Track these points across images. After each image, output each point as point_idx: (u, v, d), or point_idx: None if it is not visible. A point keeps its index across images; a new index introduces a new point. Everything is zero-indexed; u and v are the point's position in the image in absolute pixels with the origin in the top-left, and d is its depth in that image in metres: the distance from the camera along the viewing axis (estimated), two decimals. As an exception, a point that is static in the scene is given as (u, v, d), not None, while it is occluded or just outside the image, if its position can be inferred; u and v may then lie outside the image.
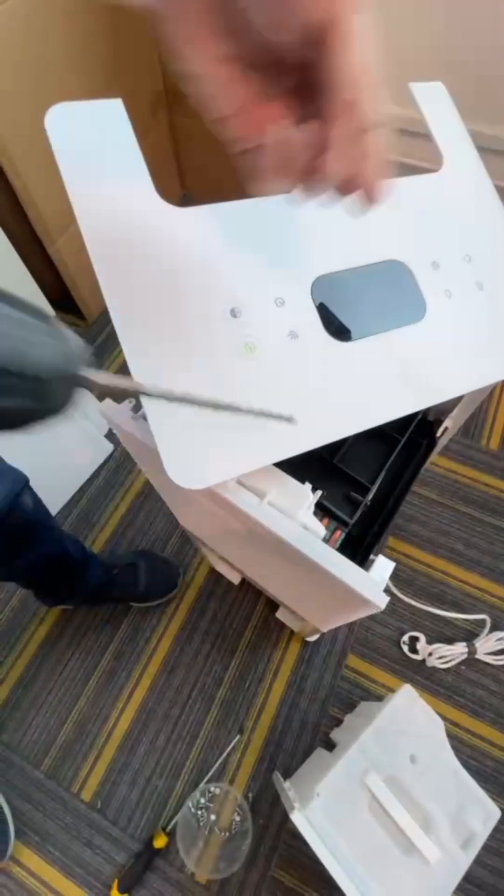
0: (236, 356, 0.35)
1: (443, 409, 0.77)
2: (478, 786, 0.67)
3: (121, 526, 1.09)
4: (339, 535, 0.42)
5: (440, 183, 0.45)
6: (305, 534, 0.33)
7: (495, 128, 0.99)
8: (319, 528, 0.37)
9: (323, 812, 0.64)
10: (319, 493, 0.39)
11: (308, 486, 0.39)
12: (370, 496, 0.43)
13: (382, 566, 0.33)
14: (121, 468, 1.15)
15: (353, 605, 0.34)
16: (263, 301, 0.37)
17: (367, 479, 0.45)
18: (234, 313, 0.36)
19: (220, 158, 1.34)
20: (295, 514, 0.36)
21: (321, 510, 0.43)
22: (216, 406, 0.15)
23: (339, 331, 0.38)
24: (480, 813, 0.66)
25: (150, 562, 1.00)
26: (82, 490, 1.13)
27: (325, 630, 0.72)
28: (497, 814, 0.66)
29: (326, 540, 0.41)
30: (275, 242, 0.38)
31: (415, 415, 0.47)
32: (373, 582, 0.31)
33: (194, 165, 1.45)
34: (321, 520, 0.42)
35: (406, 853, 0.63)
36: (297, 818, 0.62)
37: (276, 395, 0.36)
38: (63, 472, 1.09)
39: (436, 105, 0.48)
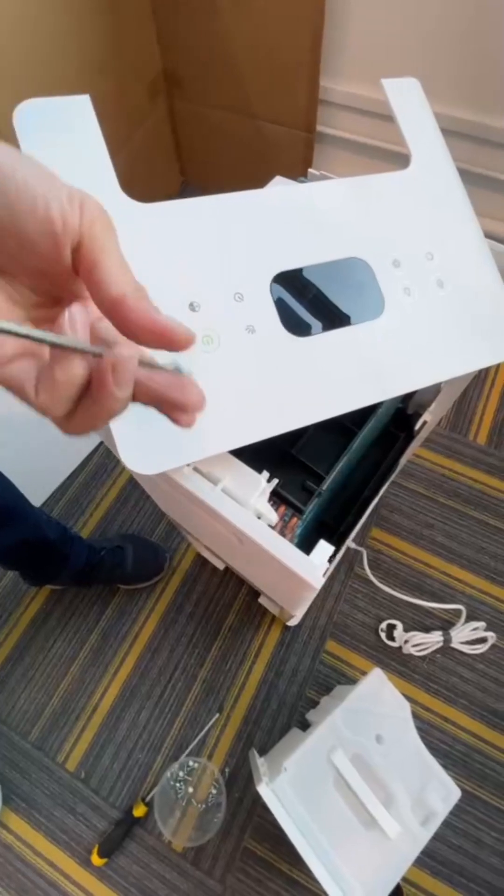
0: (195, 348, 0.37)
1: (421, 403, 0.79)
2: (440, 766, 0.70)
3: (110, 512, 1.12)
4: (296, 522, 0.44)
5: (407, 181, 0.46)
6: (252, 519, 0.35)
7: (482, 116, 0.98)
8: (272, 514, 0.39)
9: (290, 786, 0.67)
10: (275, 481, 0.41)
11: (265, 474, 0.40)
12: (325, 486, 0.45)
13: (322, 550, 0.35)
14: (111, 456, 1.18)
15: (295, 584, 0.36)
16: (222, 296, 0.38)
17: (323, 470, 0.47)
18: (192, 307, 0.37)
19: (222, 146, 1.34)
20: (248, 500, 0.37)
21: (278, 498, 0.45)
22: (39, 339, 0.13)
23: (296, 326, 0.40)
24: (441, 792, 0.69)
25: (138, 546, 1.02)
26: (73, 476, 1.16)
27: (294, 613, 0.74)
28: (457, 794, 0.69)
29: (275, 525, 0.43)
30: (236, 238, 0.39)
31: (373, 408, 0.49)
32: (311, 564, 0.33)
33: (195, 153, 1.44)
34: (277, 507, 0.44)
35: (367, 827, 0.65)
36: (263, 790, 0.65)
37: (233, 386, 0.37)
38: (53, 459, 1.12)
39: (408, 102, 0.48)
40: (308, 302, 0.44)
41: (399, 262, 0.43)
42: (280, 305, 0.40)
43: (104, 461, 1.18)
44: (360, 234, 0.43)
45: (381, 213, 0.44)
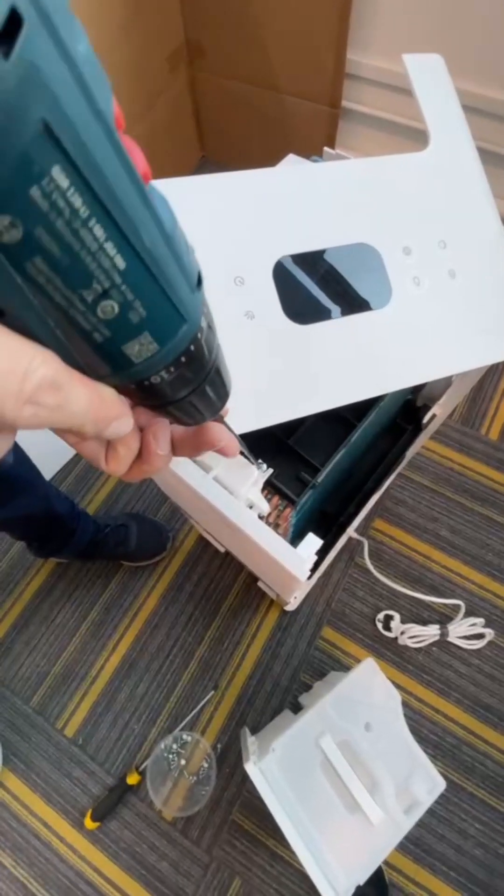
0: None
1: (431, 396, 0.77)
2: (427, 757, 0.70)
3: (116, 490, 1.13)
4: (290, 513, 0.43)
5: (424, 164, 0.44)
6: (241, 509, 0.34)
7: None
8: (264, 504, 0.39)
9: (277, 766, 0.68)
10: (270, 471, 0.40)
11: (258, 463, 0.40)
12: (320, 478, 0.44)
13: (310, 543, 0.34)
14: (120, 432, 1.18)
15: (283, 575, 0.36)
16: (222, 279, 0.37)
17: (320, 462, 0.46)
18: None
19: (244, 119, 1.29)
20: (239, 489, 0.37)
21: (272, 489, 0.44)
22: None
23: (297, 313, 0.38)
24: (427, 782, 0.69)
25: (142, 524, 1.04)
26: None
27: (288, 600, 0.75)
28: (442, 785, 0.69)
29: (268, 515, 0.43)
30: (240, 219, 0.38)
31: (374, 400, 0.47)
32: (297, 557, 0.32)
33: (215, 126, 1.40)
34: (271, 497, 0.43)
35: (351, 811, 0.67)
36: (249, 768, 0.67)
37: (230, 372, 0.37)
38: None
39: (430, 79, 0.46)
40: (328, 285, 0.43)
41: (410, 250, 0.42)
42: (295, 289, 0.39)
43: (112, 439, 1.18)
44: (370, 218, 0.41)
45: (393, 198, 0.42)
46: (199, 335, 0.15)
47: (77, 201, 0.11)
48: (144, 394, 0.16)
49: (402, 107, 1.10)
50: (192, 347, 0.15)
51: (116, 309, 0.13)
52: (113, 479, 1.15)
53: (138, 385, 0.16)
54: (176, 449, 0.22)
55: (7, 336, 0.12)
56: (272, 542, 0.33)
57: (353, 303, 0.40)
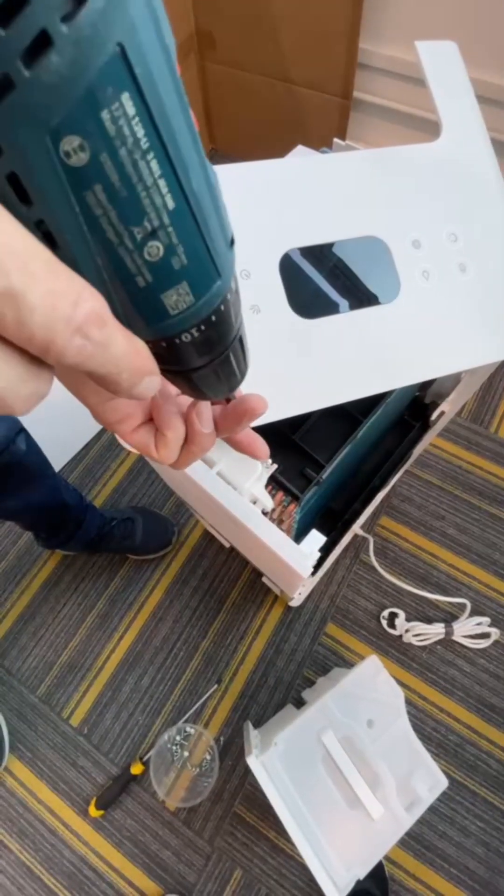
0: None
1: (439, 393, 0.76)
2: (429, 755, 0.70)
3: (122, 484, 1.14)
4: (294, 509, 0.43)
5: (435, 155, 0.43)
6: (245, 504, 0.34)
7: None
8: (268, 499, 0.38)
9: (279, 760, 0.68)
10: (274, 466, 0.40)
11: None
12: (324, 475, 0.44)
13: (313, 539, 0.34)
14: (127, 426, 1.18)
15: (286, 571, 0.36)
16: (228, 272, 0.37)
17: (324, 458, 0.45)
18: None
19: (254, 111, 1.28)
20: (243, 485, 0.37)
21: (276, 484, 0.44)
22: None
23: (304, 307, 0.38)
24: (428, 780, 0.69)
25: (148, 518, 1.04)
26: (88, 446, 1.17)
27: (292, 596, 0.75)
28: (444, 783, 0.69)
29: (272, 510, 0.43)
30: (245, 211, 0.38)
31: (381, 396, 0.47)
32: (300, 553, 0.32)
33: (225, 118, 1.38)
34: (275, 493, 0.43)
35: (352, 807, 0.67)
36: (251, 762, 0.67)
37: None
38: (71, 427, 1.13)
39: (443, 67, 0.45)
40: (336, 279, 0.42)
41: (419, 243, 0.41)
42: (302, 282, 0.39)
43: (119, 433, 1.19)
44: (379, 210, 0.40)
45: (403, 190, 0.41)
46: (228, 296, 0.16)
47: (140, 131, 0.11)
48: (171, 356, 0.17)
49: (414, 97, 1.08)
50: (222, 307, 0.16)
51: (161, 252, 0.13)
52: (119, 473, 1.15)
53: (168, 344, 0.16)
54: (218, 428, 0.23)
55: (61, 264, 0.12)
56: (275, 538, 0.33)
57: (362, 297, 0.40)
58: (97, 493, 1.13)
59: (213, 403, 0.25)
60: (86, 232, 0.12)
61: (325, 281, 0.43)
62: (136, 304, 0.14)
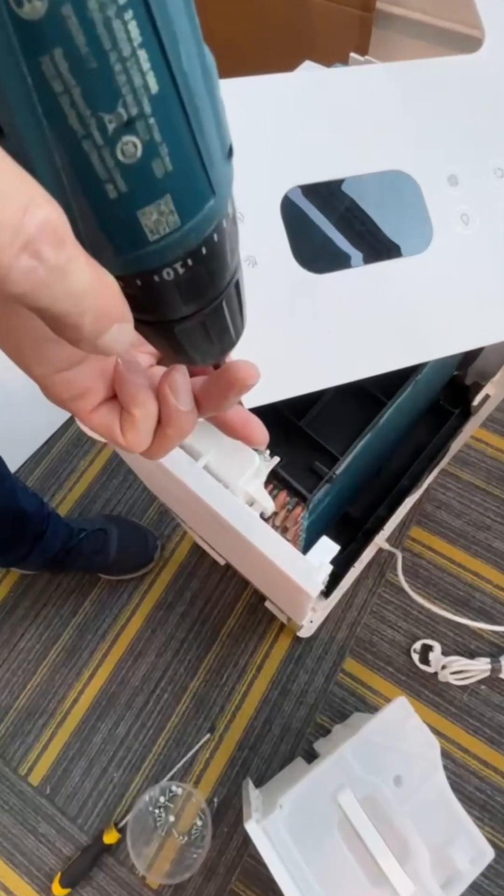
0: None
1: (483, 372, 0.75)
2: (471, 819, 0.69)
3: (93, 487, 1.14)
4: (301, 513, 0.42)
5: (476, 68, 0.42)
6: (238, 505, 0.33)
7: None
8: (268, 500, 0.38)
9: (285, 826, 0.68)
10: (275, 459, 0.39)
11: (265, 450, 0.39)
12: (339, 469, 0.43)
13: (324, 549, 0.33)
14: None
15: (290, 589, 0.35)
16: (217, 215, 0.36)
17: (338, 450, 0.45)
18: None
19: (258, 28, 1.27)
20: (235, 481, 0.36)
21: (279, 482, 0.43)
22: None
23: (312, 259, 0.37)
24: (470, 850, 0.68)
25: (124, 529, 1.04)
26: (50, 443, 1.17)
27: (300, 622, 0.74)
28: (490, 854, 0.69)
29: (273, 515, 0.42)
30: (239, 140, 0.37)
31: (409, 373, 0.46)
32: (307, 565, 0.31)
33: (223, 38, 1.38)
34: (278, 493, 0.42)
35: (375, 884, 0.66)
36: (251, 828, 0.66)
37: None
38: (28, 420, 1.13)
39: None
40: (349, 226, 0.41)
41: (456, 179, 0.40)
42: (302, 228, 0.38)
43: (89, 425, 1.18)
44: (406, 139, 0.39)
45: (436, 112, 0.40)
46: (224, 223, 0.15)
47: None
48: (148, 300, 0.16)
49: (449, 7, 1.07)
50: (215, 237, 0.15)
51: (139, 151, 0.12)
52: (89, 474, 1.15)
53: (145, 282, 0.15)
54: (199, 405, 0.22)
55: (7, 158, 0.11)
56: (275, 546, 0.32)
57: (381, 247, 0.39)
58: (62, 498, 1.13)
59: (196, 373, 0.24)
60: (41, 116, 0.11)
61: (335, 229, 0.42)
62: (104, 223, 0.14)
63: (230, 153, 0.15)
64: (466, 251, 0.40)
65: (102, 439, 0.24)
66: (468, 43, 0.42)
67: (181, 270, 0.15)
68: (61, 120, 0.12)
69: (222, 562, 1.04)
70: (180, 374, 0.22)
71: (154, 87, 0.12)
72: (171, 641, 1.01)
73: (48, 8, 0.10)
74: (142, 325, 0.18)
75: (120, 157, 0.12)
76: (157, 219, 0.14)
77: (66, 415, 1.19)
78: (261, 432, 0.25)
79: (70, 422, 1.19)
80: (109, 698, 0.98)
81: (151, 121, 0.12)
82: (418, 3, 1.10)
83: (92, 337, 0.15)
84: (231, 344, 0.21)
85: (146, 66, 0.12)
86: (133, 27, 0.11)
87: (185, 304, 0.17)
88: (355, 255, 0.39)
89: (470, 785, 0.90)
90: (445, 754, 0.90)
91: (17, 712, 0.99)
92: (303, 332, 0.37)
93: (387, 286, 0.38)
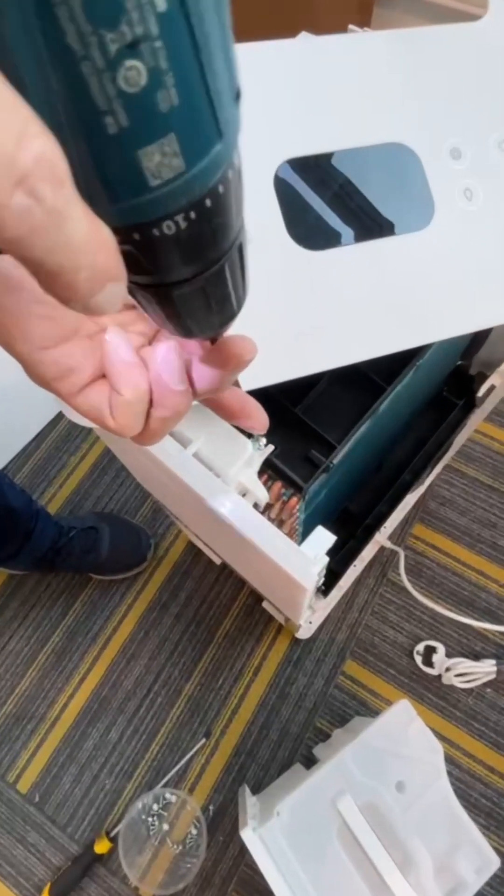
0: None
1: (489, 361, 0.75)
2: (476, 827, 0.69)
3: (84, 483, 1.13)
4: (297, 504, 0.41)
5: (479, 36, 0.41)
6: (230, 494, 0.33)
7: None
8: (261, 490, 0.37)
9: (282, 834, 0.67)
10: (270, 447, 0.38)
11: (259, 438, 0.38)
12: (336, 458, 0.42)
13: (320, 539, 0.32)
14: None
15: (285, 583, 0.34)
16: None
17: (336, 438, 0.44)
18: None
19: (251, 4, 1.26)
20: (227, 470, 0.35)
21: (273, 472, 0.42)
22: None
23: (307, 235, 0.36)
24: (475, 859, 0.68)
25: (116, 528, 1.03)
26: (39, 438, 1.17)
27: (298, 622, 0.73)
28: (496, 863, 0.68)
29: (267, 506, 0.41)
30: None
31: (411, 357, 0.45)
32: (302, 556, 0.31)
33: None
34: (273, 483, 0.42)
35: (376, 894, 0.65)
36: (247, 836, 0.66)
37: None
38: (15, 414, 1.12)
39: None
40: (339, 203, 0.41)
41: (459, 152, 0.39)
42: (295, 205, 0.37)
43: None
44: (405, 110, 0.39)
45: (437, 82, 0.40)
46: (230, 173, 0.15)
47: None
48: (145, 257, 0.16)
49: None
50: (221, 188, 0.15)
51: (144, 79, 0.12)
52: (80, 470, 1.14)
53: (143, 236, 0.15)
54: (194, 385, 0.22)
55: (1, 79, 0.11)
56: (267, 536, 0.31)
57: (373, 225, 0.38)
58: (51, 495, 1.12)
59: (189, 352, 0.23)
60: (35, 30, 0.11)
61: (330, 207, 0.41)
62: (101, 164, 0.13)
63: (238, 95, 0.15)
64: (470, 227, 0.39)
65: (90, 424, 0.24)
66: (471, 20, 0.41)
67: (183, 224, 0.15)
68: (59, 35, 0.11)
69: (218, 561, 1.03)
70: (173, 351, 0.21)
71: (162, 4, 0.11)
72: (165, 643, 1.00)
73: None
74: (137, 288, 0.18)
75: (122, 84, 0.12)
76: (160, 161, 0.13)
77: (55, 410, 1.18)
78: (260, 415, 0.25)
79: (60, 417, 1.18)
80: (101, 702, 0.98)
81: (158, 44, 0.11)
82: (421, -20, 1.09)
83: (86, 296, 0.14)
84: (232, 314, 0.20)
85: None
86: None
87: (185, 264, 0.16)
88: (352, 231, 0.38)
89: (475, 791, 0.89)
90: (450, 760, 0.90)
91: (4, 717, 0.98)
92: (299, 313, 0.36)
93: (387, 264, 0.37)
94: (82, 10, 0.10)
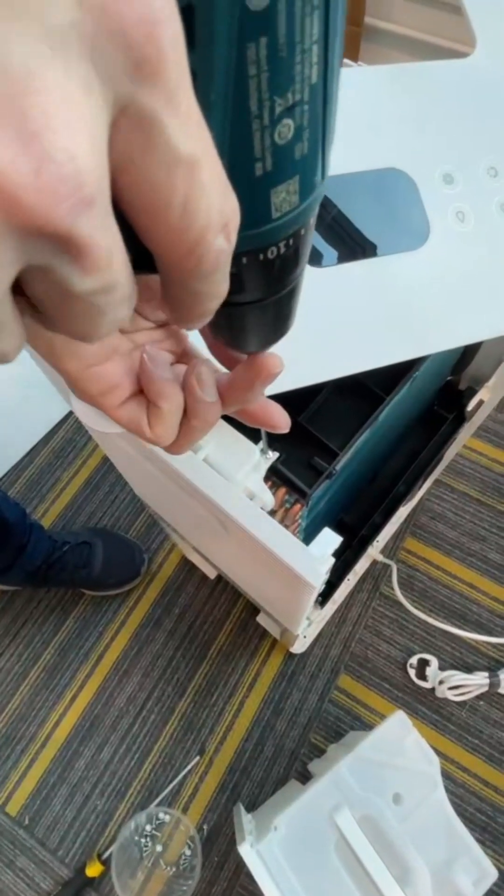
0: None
1: (477, 377, 0.77)
2: (473, 839, 0.69)
3: (78, 498, 1.13)
4: (300, 511, 0.43)
5: (469, 71, 0.44)
6: (239, 497, 0.34)
7: None
8: (267, 495, 0.38)
9: (280, 849, 0.67)
10: (274, 454, 0.40)
11: (262, 444, 0.40)
12: (339, 464, 0.44)
13: (326, 539, 0.34)
14: (82, 430, 1.18)
15: (290, 585, 0.36)
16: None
17: (338, 445, 0.46)
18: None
19: None
20: (235, 475, 0.37)
21: (279, 478, 0.44)
22: None
23: (313, 253, 0.39)
24: (473, 871, 0.68)
25: (109, 543, 1.03)
26: (33, 452, 1.17)
27: (296, 631, 0.74)
28: (493, 875, 0.68)
29: (272, 511, 0.43)
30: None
31: (407, 370, 0.47)
32: (309, 556, 0.32)
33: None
34: (277, 489, 0.43)
35: (375, 907, 0.65)
36: (245, 851, 0.65)
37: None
38: (9, 431, 1.13)
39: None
40: (323, 224, 0.43)
41: (452, 178, 0.42)
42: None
43: (73, 436, 1.18)
44: (401, 138, 0.41)
45: (430, 113, 0.42)
46: (316, 208, 0.17)
47: None
48: (247, 278, 0.18)
49: (438, 24, 1.12)
50: (311, 220, 0.17)
51: (291, 133, 0.15)
52: (73, 485, 1.14)
53: (250, 260, 0.17)
54: (224, 398, 0.24)
55: (212, 145, 0.13)
56: (277, 536, 0.33)
57: (356, 247, 0.41)
58: (45, 510, 1.12)
59: (227, 364, 0.26)
60: (229, 97, 0.13)
61: (332, 224, 0.43)
62: (241, 199, 0.15)
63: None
64: (462, 248, 0.41)
65: (97, 428, 0.26)
66: (455, 57, 0.45)
67: (283, 249, 0.17)
68: (244, 100, 0.13)
69: (212, 575, 1.04)
70: (206, 366, 0.23)
71: (315, 78, 0.14)
72: (159, 660, 1.00)
73: (270, 2, 0.12)
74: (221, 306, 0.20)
75: (276, 138, 0.14)
76: (284, 197, 0.16)
77: (49, 424, 1.18)
78: (281, 416, 0.26)
79: (53, 432, 1.19)
80: (93, 721, 0.97)
81: (306, 108, 0.14)
82: (406, 18, 1.14)
83: (207, 318, 0.17)
84: (285, 331, 0.22)
85: (315, 58, 0.14)
86: (317, 23, 0.13)
87: (272, 283, 0.19)
88: (329, 252, 0.40)
89: (471, 806, 0.89)
90: (445, 774, 0.90)
91: (-6, 737, 0.97)
92: (301, 326, 0.38)
93: (387, 280, 0.40)
94: (268, 81, 0.13)
